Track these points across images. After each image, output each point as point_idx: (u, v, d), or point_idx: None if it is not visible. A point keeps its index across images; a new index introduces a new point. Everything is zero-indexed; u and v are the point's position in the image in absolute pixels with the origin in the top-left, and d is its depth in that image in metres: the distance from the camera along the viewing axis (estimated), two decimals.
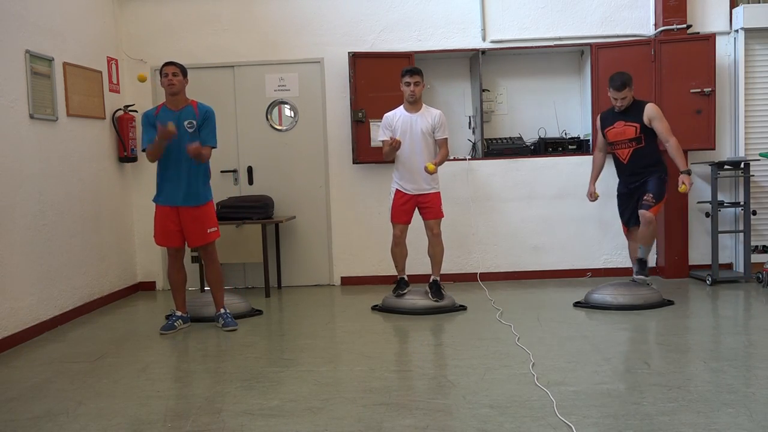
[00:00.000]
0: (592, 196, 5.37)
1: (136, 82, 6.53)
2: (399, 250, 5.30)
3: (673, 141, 5.03)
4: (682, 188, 5.00)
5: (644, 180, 5.13)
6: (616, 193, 5.42)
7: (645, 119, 5.05)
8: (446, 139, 5.23)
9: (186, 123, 4.74)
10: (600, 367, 3.73)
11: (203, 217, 4.85)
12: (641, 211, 5.08)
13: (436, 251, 5.26)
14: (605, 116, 5.30)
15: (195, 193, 4.79)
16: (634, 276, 5.29)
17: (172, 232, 4.82)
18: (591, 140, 6.26)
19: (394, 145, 5.02)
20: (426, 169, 4.97)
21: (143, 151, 4.84)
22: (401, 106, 5.21)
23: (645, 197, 5.06)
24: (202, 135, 4.78)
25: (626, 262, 5.95)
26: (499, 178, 6.44)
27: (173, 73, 4.73)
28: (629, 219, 5.30)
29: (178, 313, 4.97)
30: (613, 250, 6.40)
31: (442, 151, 5.20)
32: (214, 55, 6.49)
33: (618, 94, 5.03)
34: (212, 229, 4.91)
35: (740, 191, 6.15)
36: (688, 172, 5.03)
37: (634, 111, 5.10)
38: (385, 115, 5.25)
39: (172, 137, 4.55)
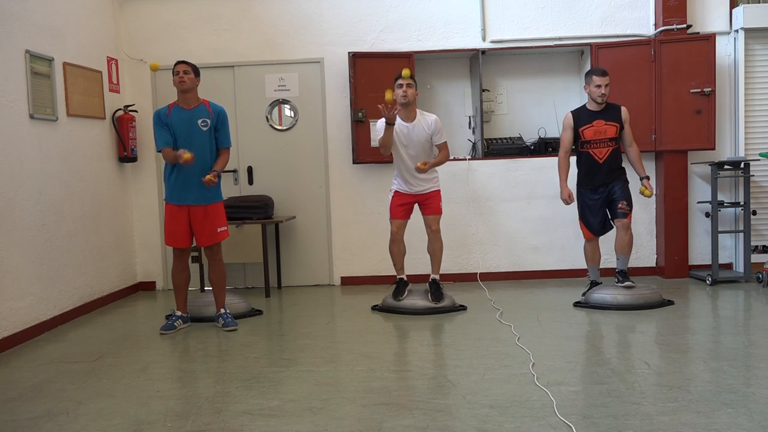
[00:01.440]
0: (571, 198, 5.22)
1: (136, 82, 6.55)
2: (397, 248, 5.29)
3: (636, 146, 5.24)
4: (647, 192, 5.07)
5: (612, 185, 5.16)
6: (581, 203, 5.30)
7: (622, 120, 5.15)
8: (445, 142, 5.24)
9: (200, 121, 4.81)
10: (600, 367, 3.73)
11: (213, 216, 4.87)
12: (621, 220, 5.11)
13: (435, 248, 5.26)
14: (579, 114, 5.24)
15: (206, 191, 4.80)
16: (623, 284, 5.15)
17: (181, 232, 4.83)
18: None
19: (389, 118, 4.87)
20: (416, 168, 5.02)
21: (158, 151, 4.89)
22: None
23: (620, 205, 5.11)
24: (219, 138, 4.90)
25: None
26: (499, 178, 6.44)
27: (184, 71, 4.77)
28: (601, 229, 5.28)
29: (178, 313, 4.98)
30: (612, 250, 6.37)
31: (442, 153, 5.20)
32: (214, 55, 6.49)
33: (603, 80, 5.02)
34: (222, 229, 4.93)
35: (740, 191, 6.15)
36: (648, 178, 5.16)
37: (612, 111, 5.17)
38: (380, 120, 5.21)
39: (191, 163, 4.63)
